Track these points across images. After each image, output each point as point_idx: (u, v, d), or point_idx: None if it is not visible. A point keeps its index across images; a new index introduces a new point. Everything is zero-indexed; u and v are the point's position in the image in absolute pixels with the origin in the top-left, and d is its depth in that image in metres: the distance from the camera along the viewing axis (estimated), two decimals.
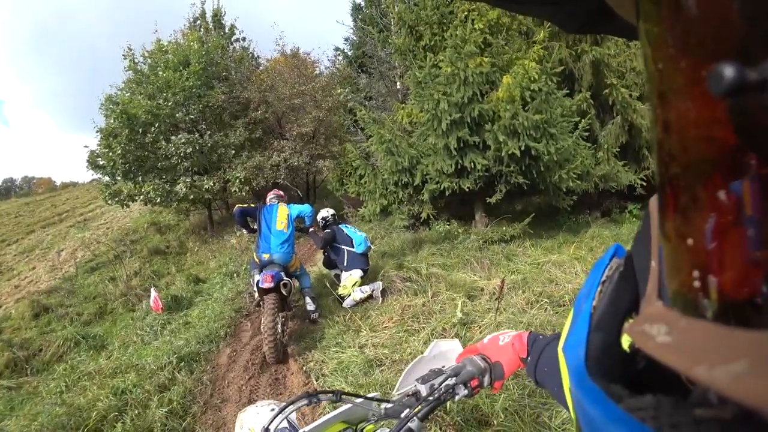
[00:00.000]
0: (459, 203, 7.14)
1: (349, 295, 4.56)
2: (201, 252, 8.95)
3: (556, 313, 3.62)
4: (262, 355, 3.91)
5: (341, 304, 4.58)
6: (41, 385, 4.43)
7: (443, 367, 0.98)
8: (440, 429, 2.40)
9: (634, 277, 0.30)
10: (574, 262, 5.16)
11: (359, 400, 0.92)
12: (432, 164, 5.75)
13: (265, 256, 4.13)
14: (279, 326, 3.69)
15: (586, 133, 6.51)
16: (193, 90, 9.53)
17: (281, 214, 4.32)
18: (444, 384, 0.86)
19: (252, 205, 4.52)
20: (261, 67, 12.31)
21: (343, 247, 4.81)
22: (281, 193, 4.77)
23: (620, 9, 0.27)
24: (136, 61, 9.89)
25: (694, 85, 0.17)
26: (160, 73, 9.48)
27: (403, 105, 6.95)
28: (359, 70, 10.48)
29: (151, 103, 9.03)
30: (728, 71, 0.15)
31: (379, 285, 4.61)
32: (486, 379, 0.88)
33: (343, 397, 0.90)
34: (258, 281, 3.84)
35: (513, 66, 5.68)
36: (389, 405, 0.92)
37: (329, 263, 5.10)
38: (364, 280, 4.77)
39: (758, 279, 0.17)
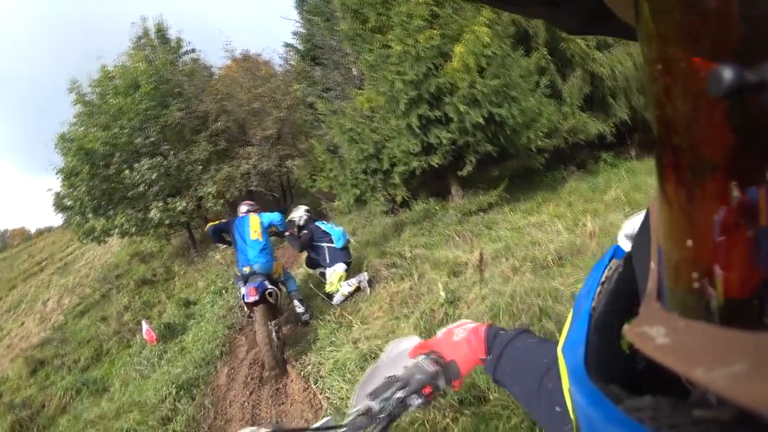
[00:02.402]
0: (434, 180, 7.11)
1: (337, 291, 4.54)
2: (188, 274, 8.83)
3: (540, 276, 3.63)
4: (259, 368, 3.91)
5: (331, 301, 4.57)
6: None
7: (405, 368, 0.89)
8: (438, 412, 2.42)
9: (634, 278, 0.31)
10: (555, 221, 5.16)
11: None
12: (397, 146, 5.70)
13: (246, 269, 4.09)
14: (273, 335, 3.70)
15: (549, 90, 6.50)
16: (148, 112, 9.27)
17: (254, 224, 4.26)
18: (393, 398, 0.77)
19: (224, 221, 4.51)
20: (214, 77, 11.99)
21: (322, 244, 4.77)
22: (251, 202, 4.74)
23: (619, 10, 0.27)
24: (83, 92, 9.56)
25: (694, 86, 0.17)
26: (111, 100, 9.18)
27: (361, 91, 6.84)
28: (313, 63, 10.26)
29: (106, 134, 8.77)
30: (727, 73, 0.15)
31: (365, 276, 4.60)
32: (441, 383, 0.80)
33: None
34: (243, 295, 3.80)
35: (464, 34, 5.60)
36: (342, 430, 0.81)
37: (311, 263, 5.06)
38: (349, 273, 4.75)
39: (757, 281, 0.17)
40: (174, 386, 3.83)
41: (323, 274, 4.87)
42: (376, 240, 6.14)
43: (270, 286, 3.91)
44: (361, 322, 3.95)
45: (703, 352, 0.18)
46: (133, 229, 8.89)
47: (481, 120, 5.30)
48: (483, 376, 2.52)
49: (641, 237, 0.30)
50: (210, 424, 3.33)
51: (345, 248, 4.82)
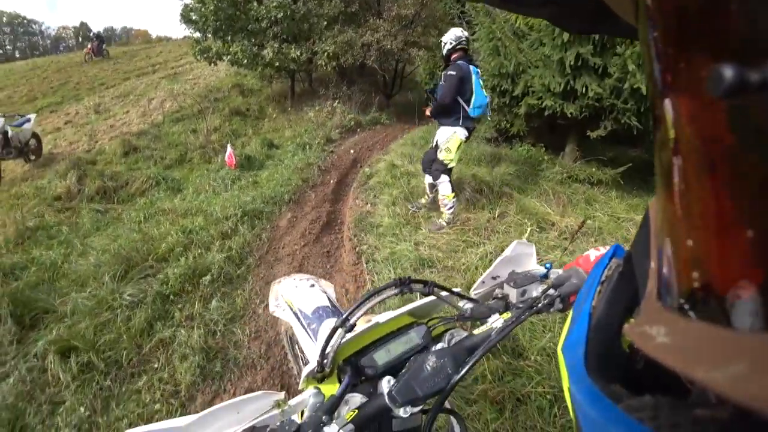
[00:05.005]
0: (548, 130, 6.44)
1: (450, 165, 3.84)
2: (278, 119, 9.07)
3: None
4: (319, 226, 4.00)
5: (437, 179, 3.89)
6: (125, 212, 4.82)
7: (520, 270, 0.90)
8: None
9: (634, 278, 0.30)
10: None
11: (445, 294, 0.79)
12: (539, 77, 5.06)
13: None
14: None
15: None
16: None
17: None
18: (546, 294, 0.75)
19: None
20: None
21: (458, 98, 3.65)
22: None
23: (620, 10, 0.27)
24: None
25: (694, 86, 0.17)
26: None
27: None
28: None
29: None
30: (727, 73, 0.14)
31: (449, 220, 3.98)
32: None
33: (435, 289, 0.76)
34: None
35: None
36: (473, 305, 0.82)
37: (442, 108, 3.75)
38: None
39: (757, 281, 0.17)
40: (240, 210, 4.01)
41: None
42: (470, 161, 5.80)
43: None
44: (428, 230, 3.84)
45: (704, 351, 0.17)
46: (245, 61, 9.01)
47: (643, 88, 4.51)
48: (528, 334, 2.38)
49: (641, 236, 0.29)
50: (261, 255, 3.48)
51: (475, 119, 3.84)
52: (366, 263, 3.32)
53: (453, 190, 3.92)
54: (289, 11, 8.75)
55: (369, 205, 4.38)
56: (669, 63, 0.18)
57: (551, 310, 0.75)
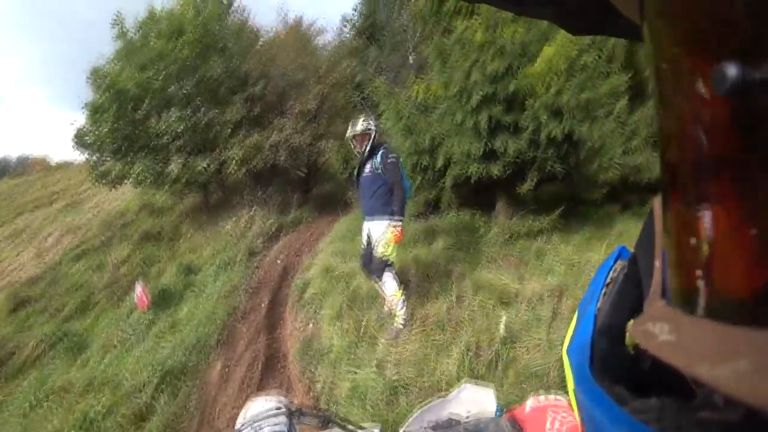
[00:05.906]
0: (473, 191, 6.44)
1: (390, 260, 3.46)
2: (195, 238, 8.28)
3: None
4: (259, 369, 3.31)
5: (380, 278, 3.47)
6: (9, 397, 3.85)
7: (468, 415, 0.81)
8: None
9: (639, 279, 0.29)
10: None
11: (351, 428, 0.80)
12: (457, 145, 5.03)
13: None
14: None
15: (620, 118, 5.88)
16: (188, 62, 8.72)
17: None
18: None
19: None
20: (261, 41, 11.39)
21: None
22: None
23: (624, 9, 0.27)
24: (125, 29, 9.02)
25: (699, 84, 0.17)
26: (152, 43, 8.66)
27: (420, 78, 6.17)
28: (369, 42, 9.60)
29: (141, 76, 8.26)
30: (732, 71, 0.15)
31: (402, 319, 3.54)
32: None
33: (331, 423, 0.79)
34: None
35: (553, 34, 4.90)
36: None
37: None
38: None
39: (761, 277, 0.17)
40: (157, 374, 3.22)
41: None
42: (406, 243, 5.46)
43: None
44: (386, 340, 3.32)
45: (707, 349, 0.18)
46: (149, 180, 8.39)
47: (559, 134, 4.63)
48: None
49: (645, 235, 0.29)
50: None
51: None
52: (327, 408, 2.68)
53: (400, 286, 3.52)
54: (191, 123, 8.41)
55: (311, 324, 3.80)
56: (673, 61, 0.18)
57: None
